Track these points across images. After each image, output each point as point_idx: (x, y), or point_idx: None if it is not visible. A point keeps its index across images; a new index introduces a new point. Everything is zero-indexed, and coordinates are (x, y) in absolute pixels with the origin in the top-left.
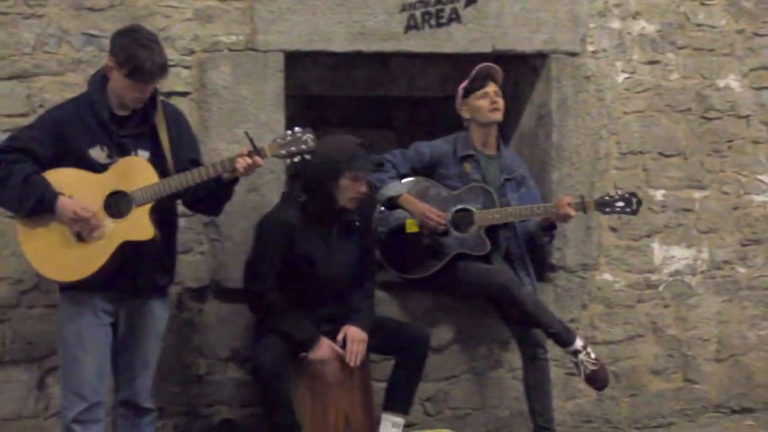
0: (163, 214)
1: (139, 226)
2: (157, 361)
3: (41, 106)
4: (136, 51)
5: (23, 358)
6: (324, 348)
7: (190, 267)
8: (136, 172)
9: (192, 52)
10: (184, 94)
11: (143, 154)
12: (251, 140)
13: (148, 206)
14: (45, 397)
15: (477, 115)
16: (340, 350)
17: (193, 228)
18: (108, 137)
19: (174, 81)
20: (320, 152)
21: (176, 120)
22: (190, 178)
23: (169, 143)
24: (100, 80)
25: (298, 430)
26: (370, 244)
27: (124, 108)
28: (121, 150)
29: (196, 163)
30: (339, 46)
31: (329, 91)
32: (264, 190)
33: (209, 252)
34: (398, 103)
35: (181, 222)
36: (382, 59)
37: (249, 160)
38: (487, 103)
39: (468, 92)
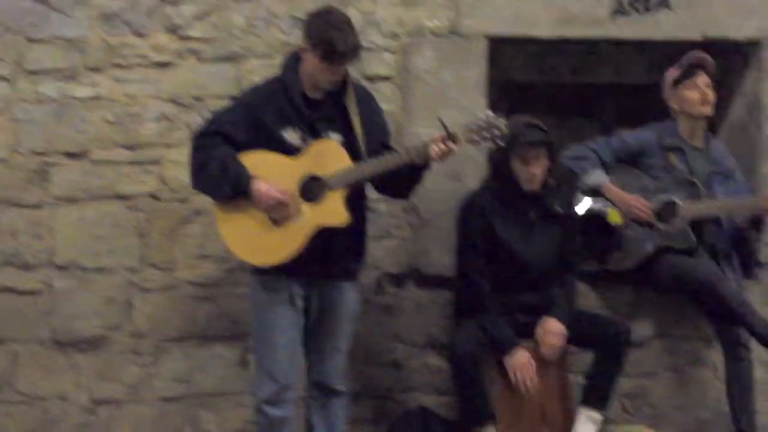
0: (354, 196)
1: (334, 210)
2: (354, 345)
3: None
4: (329, 33)
5: (227, 335)
6: (520, 356)
7: (390, 252)
8: (330, 155)
9: (396, 36)
10: (387, 78)
11: (335, 137)
12: (445, 126)
13: (342, 191)
14: (247, 374)
15: (686, 107)
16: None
17: (392, 213)
18: (300, 119)
19: (378, 65)
20: None
21: (368, 103)
22: (384, 163)
23: (360, 126)
24: (293, 62)
25: (493, 420)
26: (572, 234)
27: (316, 90)
28: (313, 132)
29: (386, 146)
30: (543, 31)
31: (533, 78)
32: (464, 177)
33: (409, 237)
34: (603, 91)
35: (381, 207)
36: (587, 46)
37: (443, 147)
38: (696, 95)
39: (677, 82)
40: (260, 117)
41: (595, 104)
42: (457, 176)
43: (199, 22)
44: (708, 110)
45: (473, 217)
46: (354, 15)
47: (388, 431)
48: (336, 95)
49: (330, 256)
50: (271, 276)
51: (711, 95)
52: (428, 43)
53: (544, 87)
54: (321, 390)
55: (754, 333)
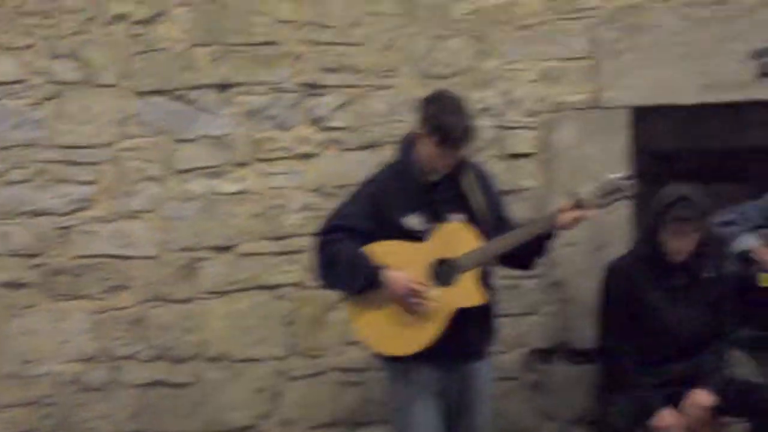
0: (482, 274)
1: (469, 292)
2: (504, 423)
3: None
4: (444, 119)
5: (376, 419)
6: (666, 418)
7: (537, 328)
8: (457, 237)
9: (536, 113)
10: (529, 155)
11: (458, 218)
12: (573, 194)
13: (474, 271)
14: None
15: None
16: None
17: (539, 288)
18: (422, 204)
19: (519, 143)
20: (652, 202)
21: (485, 179)
22: (513, 239)
23: (482, 203)
24: (407, 147)
25: None
26: (724, 300)
27: (433, 173)
28: (435, 215)
29: (506, 220)
30: (687, 98)
31: (678, 145)
32: (610, 248)
33: (556, 312)
34: (751, 155)
35: (527, 283)
36: (733, 110)
37: (573, 215)
38: None
39: None
40: (381, 205)
41: (744, 168)
42: (602, 247)
43: (340, 111)
44: None
45: (617, 282)
46: (492, 95)
47: None
48: (453, 176)
49: (464, 338)
50: (406, 363)
51: None
52: (569, 117)
53: (690, 153)
54: None
55: None
